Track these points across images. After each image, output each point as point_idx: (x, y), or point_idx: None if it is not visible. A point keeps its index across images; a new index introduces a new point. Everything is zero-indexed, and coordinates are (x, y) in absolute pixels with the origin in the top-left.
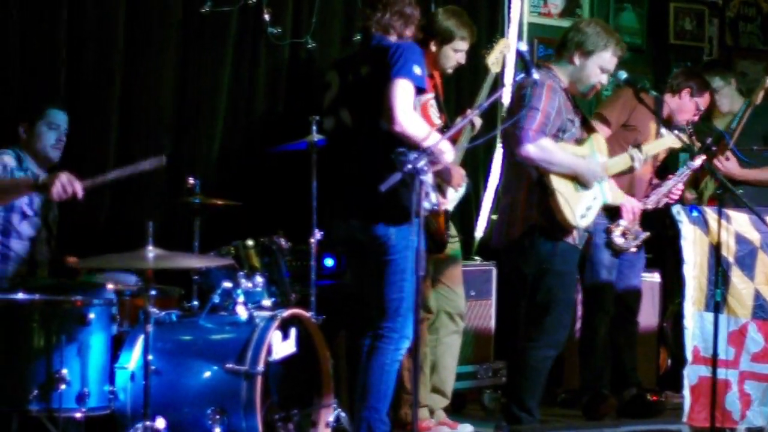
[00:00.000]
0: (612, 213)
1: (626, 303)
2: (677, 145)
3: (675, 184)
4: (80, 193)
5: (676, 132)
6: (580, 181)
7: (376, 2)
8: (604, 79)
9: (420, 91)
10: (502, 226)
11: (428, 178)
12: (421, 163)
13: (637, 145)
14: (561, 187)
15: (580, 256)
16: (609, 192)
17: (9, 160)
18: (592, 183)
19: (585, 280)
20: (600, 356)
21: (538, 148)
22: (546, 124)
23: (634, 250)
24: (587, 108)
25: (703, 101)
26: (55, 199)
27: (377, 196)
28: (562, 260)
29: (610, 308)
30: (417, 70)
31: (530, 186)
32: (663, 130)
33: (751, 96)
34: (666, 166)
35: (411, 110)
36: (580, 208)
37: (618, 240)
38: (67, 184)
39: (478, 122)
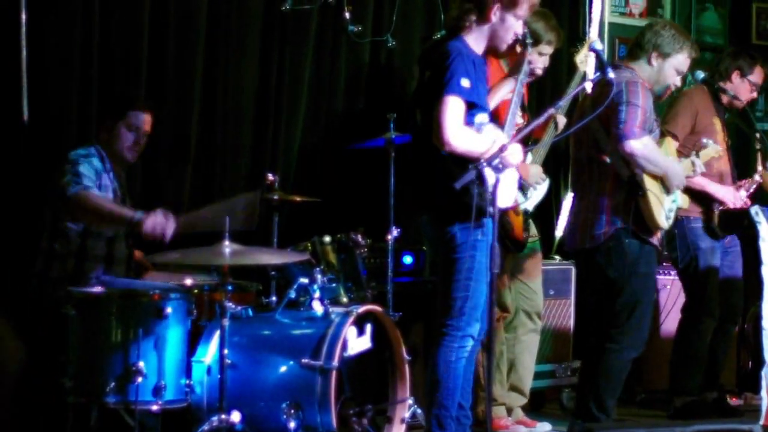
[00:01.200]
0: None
1: (729, 303)
2: (718, 154)
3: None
4: (170, 235)
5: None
6: (665, 184)
7: None
8: (678, 80)
9: (471, 104)
10: (580, 230)
11: (507, 177)
12: (496, 161)
13: (698, 151)
14: (652, 187)
15: (687, 254)
16: (680, 196)
17: (96, 162)
18: (676, 187)
19: (691, 275)
20: (703, 363)
21: (642, 145)
22: (646, 122)
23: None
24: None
25: (756, 77)
26: (146, 237)
27: (444, 194)
28: (647, 263)
29: (716, 312)
30: (465, 82)
31: (615, 187)
32: (704, 140)
33: None
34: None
35: (459, 128)
36: (665, 210)
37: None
38: (159, 225)
39: (561, 120)
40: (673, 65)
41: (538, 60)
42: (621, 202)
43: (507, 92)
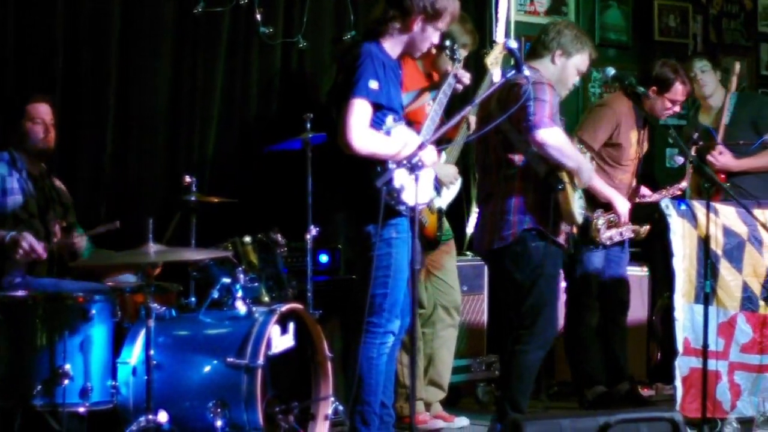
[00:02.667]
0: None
1: (617, 295)
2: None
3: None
4: (43, 254)
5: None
6: (575, 179)
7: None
8: (577, 80)
9: (378, 106)
10: (487, 233)
11: (424, 176)
12: (416, 160)
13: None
14: (568, 182)
15: (569, 258)
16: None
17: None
18: (585, 182)
19: (574, 273)
20: (595, 350)
21: (554, 134)
22: (553, 116)
23: (618, 238)
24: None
25: (673, 95)
26: (19, 259)
27: (359, 193)
28: (553, 264)
29: (595, 303)
30: (373, 84)
31: (524, 187)
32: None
33: (727, 85)
34: (652, 172)
35: (363, 131)
36: (577, 206)
37: (602, 229)
38: (28, 249)
39: (473, 120)
40: (575, 65)
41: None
42: (532, 201)
43: (427, 100)
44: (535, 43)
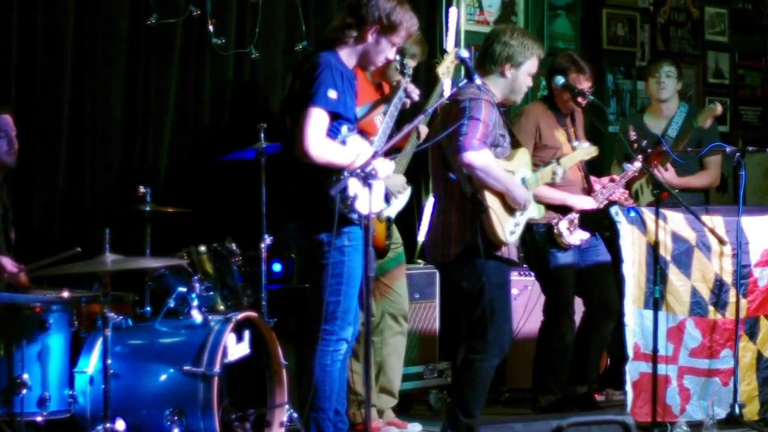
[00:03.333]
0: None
1: (602, 300)
2: (589, 156)
3: (618, 188)
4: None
5: (587, 144)
6: (506, 200)
7: (349, 6)
8: (530, 82)
9: (336, 115)
10: (438, 246)
11: (375, 186)
12: (369, 168)
13: (558, 158)
14: (492, 203)
15: (538, 257)
16: (535, 206)
17: None
18: (518, 205)
19: (545, 277)
20: (565, 363)
21: (481, 156)
22: (487, 136)
23: (577, 243)
24: None
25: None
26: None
27: (310, 202)
28: (498, 272)
29: (572, 311)
30: (332, 94)
31: (462, 206)
32: (575, 143)
33: (698, 119)
34: (601, 166)
35: (320, 140)
36: (509, 224)
37: (564, 233)
38: (13, 271)
39: (423, 130)
40: (526, 71)
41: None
42: (467, 219)
43: (378, 114)
44: (481, 55)
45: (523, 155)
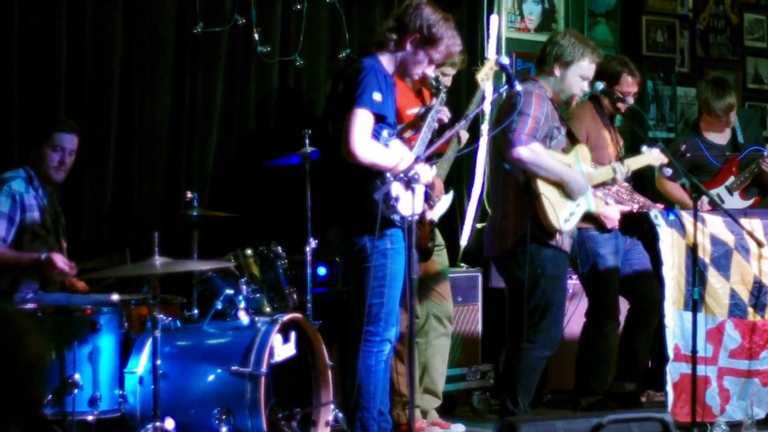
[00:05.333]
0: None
1: (645, 297)
2: (657, 162)
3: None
4: (73, 272)
5: (658, 148)
6: (564, 189)
7: (396, 14)
8: (585, 86)
9: (380, 117)
10: (495, 237)
11: (419, 187)
12: (412, 173)
13: (621, 158)
14: (546, 191)
15: (587, 258)
16: (592, 200)
17: (17, 186)
18: (576, 193)
19: (591, 280)
20: (607, 364)
21: (529, 151)
22: (536, 129)
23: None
24: None
25: (622, 87)
26: (53, 275)
27: (353, 206)
28: (553, 264)
29: (617, 314)
30: (377, 96)
31: (519, 195)
32: (644, 148)
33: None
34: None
35: (366, 141)
36: (564, 213)
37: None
38: (65, 268)
39: (464, 135)
40: (577, 72)
41: (441, 80)
42: (523, 208)
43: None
44: (538, 57)
45: (581, 150)
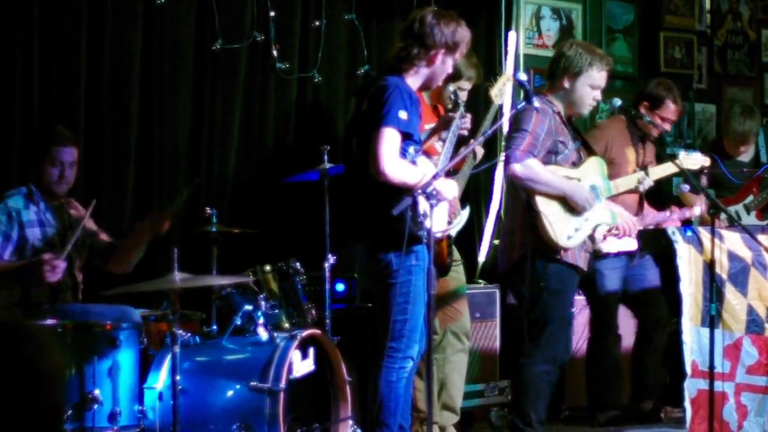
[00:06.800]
0: None
1: (650, 314)
2: (675, 170)
3: (673, 217)
4: (62, 265)
5: (682, 155)
6: (568, 204)
7: (407, 32)
8: (597, 95)
9: (406, 135)
10: (505, 251)
11: (440, 206)
12: (431, 189)
13: (644, 167)
14: (547, 207)
15: (587, 277)
16: (607, 213)
17: (14, 203)
18: (582, 207)
19: (591, 297)
20: (616, 376)
21: (523, 167)
22: (534, 145)
23: (611, 251)
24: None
25: (664, 112)
26: (47, 280)
27: (379, 223)
28: (557, 279)
29: (616, 328)
30: (403, 114)
31: (525, 211)
32: (681, 153)
33: None
34: (658, 191)
35: (395, 160)
36: (567, 229)
37: (599, 238)
38: (54, 264)
39: (480, 151)
40: (587, 82)
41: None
42: (528, 222)
43: (436, 139)
44: (547, 72)
45: (595, 163)
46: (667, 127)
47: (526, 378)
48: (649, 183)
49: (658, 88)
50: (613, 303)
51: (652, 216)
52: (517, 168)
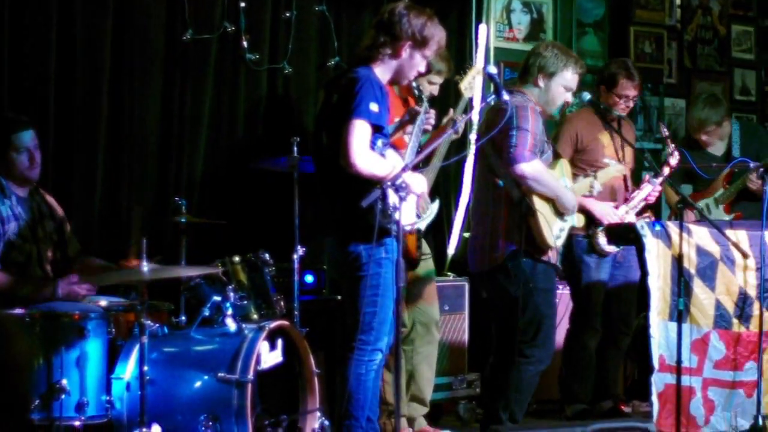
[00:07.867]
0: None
1: (619, 313)
2: (621, 174)
3: (640, 201)
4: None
5: (614, 162)
6: (556, 206)
7: (378, 23)
8: (569, 96)
9: (377, 128)
10: (484, 252)
11: (408, 199)
12: (399, 181)
13: (596, 173)
14: (541, 208)
15: (574, 267)
16: (575, 216)
17: None
18: (569, 210)
19: (576, 288)
20: (590, 371)
21: (532, 168)
22: (535, 146)
23: (615, 251)
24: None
25: (620, 90)
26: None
27: (348, 215)
28: (545, 278)
29: (598, 323)
30: (374, 107)
31: (510, 211)
32: (606, 160)
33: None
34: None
35: (365, 151)
36: (555, 229)
37: (602, 241)
38: (76, 288)
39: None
40: (560, 83)
41: (427, 88)
42: (514, 224)
43: (404, 132)
44: (522, 68)
45: (564, 165)
46: (630, 104)
47: (521, 376)
48: (598, 188)
49: (610, 67)
50: (596, 296)
51: (636, 193)
52: (526, 168)
